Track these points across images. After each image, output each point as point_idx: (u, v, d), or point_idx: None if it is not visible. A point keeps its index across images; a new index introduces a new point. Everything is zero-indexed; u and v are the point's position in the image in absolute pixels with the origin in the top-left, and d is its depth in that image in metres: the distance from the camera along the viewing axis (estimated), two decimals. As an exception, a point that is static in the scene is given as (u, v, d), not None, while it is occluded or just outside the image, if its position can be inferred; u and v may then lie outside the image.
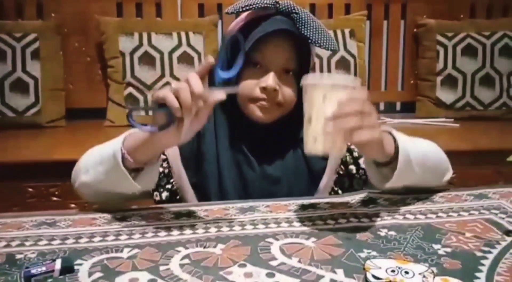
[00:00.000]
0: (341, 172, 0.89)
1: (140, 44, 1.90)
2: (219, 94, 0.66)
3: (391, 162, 0.73)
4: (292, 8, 0.81)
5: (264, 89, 0.81)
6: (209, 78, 0.68)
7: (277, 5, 0.82)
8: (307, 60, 0.84)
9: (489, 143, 1.68)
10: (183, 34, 1.93)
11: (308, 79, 0.67)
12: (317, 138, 0.65)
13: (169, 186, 0.87)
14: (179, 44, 1.92)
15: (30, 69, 1.86)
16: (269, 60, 0.82)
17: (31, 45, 1.86)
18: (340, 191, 0.89)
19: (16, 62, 1.84)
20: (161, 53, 1.90)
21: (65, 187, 1.51)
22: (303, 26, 0.80)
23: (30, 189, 1.52)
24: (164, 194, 0.87)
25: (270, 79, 0.80)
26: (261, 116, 0.83)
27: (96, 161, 0.76)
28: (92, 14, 1.96)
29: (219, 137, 0.86)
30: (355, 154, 0.88)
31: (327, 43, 0.80)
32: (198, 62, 1.93)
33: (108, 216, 0.76)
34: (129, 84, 1.90)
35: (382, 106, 2.31)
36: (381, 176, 0.75)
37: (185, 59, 1.91)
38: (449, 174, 0.86)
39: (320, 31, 0.80)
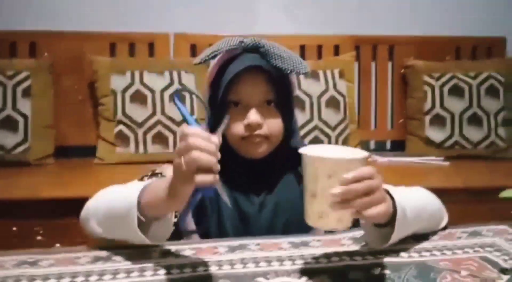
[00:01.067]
0: None
1: (132, 82, 1.91)
2: (215, 138, 0.62)
3: (389, 222, 0.70)
4: (258, 43, 0.84)
5: (249, 126, 0.82)
6: None
7: (243, 44, 0.84)
8: (286, 89, 0.86)
9: (480, 181, 1.68)
10: (175, 73, 1.96)
11: (311, 151, 0.62)
12: (322, 214, 0.61)
13: (174, 220, 0.85)
14: (171, 82, 1.94)
15: (21, 107, 1.85)
16: (247, 97, 0.83)
17: (22, 83, 1.86)
18: None
19: (6, 100, 1.83)
20: (152, 91, 1.91)
21: (49, 226, 1.47)
22: (271, 58, 0.82)
23: (14, 228, 1.47)
24: None
25: (252, 115, 0.82)
26: (253, 153, 0.84)
27: (108, 214, 0.73)
28: (85, 54, 1.98)
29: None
30: None
31: (298, 68, 0.82)
32: (190, 101, 1.94)
33: (92, 254, 0.73)
34: (119, 122, 1.90)
35: (372, 145, 2.33)
36: (379, 234, 0.72)
37: (177, 97, 1.93)
38: (444, 221, 0.85)
39: (288, 59, 0.83)
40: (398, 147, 2.24)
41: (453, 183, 1.67)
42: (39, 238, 1.46)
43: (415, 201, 0.76)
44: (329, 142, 1.99)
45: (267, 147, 0.84)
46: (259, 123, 0.82)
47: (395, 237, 0.70)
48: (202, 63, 0.85)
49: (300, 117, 1.96)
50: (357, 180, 0.59)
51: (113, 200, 0.73)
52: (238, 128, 0.83)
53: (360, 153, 0.63)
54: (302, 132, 1.96)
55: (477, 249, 0.75)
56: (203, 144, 0.59)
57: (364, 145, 2.23)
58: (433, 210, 0.82)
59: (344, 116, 2.03)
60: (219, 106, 0.85)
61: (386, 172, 1.87)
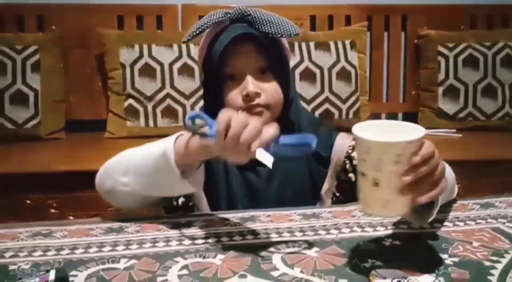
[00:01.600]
0: (342, 178, 0.88)
1: (141, 55, 1.90)
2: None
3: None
4: (244, 11, 0.82)
5: (247, 97, 0.81)
6: None
7: (229, 15, 0.83)
8: (279, 54, 0.85)
9: (493, 153, 1.66)
10: (183, 46, 1.93)
11: (366, 133, 0.55)
12: (387, 203, 0.56)
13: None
14: (180, 55, 1.92)
15: (30, 81, 1.85)
16: (241, 68, 0.82)
17: (31, 57, 1.86)
18: (341, 197, 0.87)
19: (16, 75, 1.84)
20: (161, 64, 1.90)
21: (63, 199, 1.49)
22: (259, 24, 0.81)
23: (28, 201, 1.50)
24: (180, 200, 0.86)
25: (249, 85, 0.81)
26: None
27: (140, 162, 0.74)
28: (93, 27, 1.96)
29: None
30: (355, 162, 0.87)
31: (287, 31, 0.81)
32: (199, 74, 1.92)
33: (105, 226, 0.74)
34: (129, 95, 1.90)
35: (383, 118, 2.30)
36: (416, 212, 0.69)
37: (186, 70, 1.91)
38: (455, 193, 0.84)
39: (277, 23, 0.81)
40: (410, 119, 2.21)
41: (466, 155, 1.65)
42: (52, 211, 1.49)
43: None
44: (340, 115, 1.97)
45: (268, 116, 0.83)
46: (257, 92, 0.81)
47: (434, 212, 0.64)
48: (190, 40, 0.84)
49: (311, 89, 1.93)
50: (423, 162, 0.55)
51: (144, 151, 0.74)
52: (237, 100, 0.82)
53: (419, 130, 0.57)
54: (312, 105, 1.94)
55: (489, 220, 0.75)
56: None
57: (376, 117, 2.21)
58: (452, 181, 0.80)
59: (355, 88, 2.00)
60: (215, 82, 0.83)
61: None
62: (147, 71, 1.89)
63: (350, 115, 1.98)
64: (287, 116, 0.87)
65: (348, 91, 1.98)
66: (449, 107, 2.05)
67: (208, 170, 0.85)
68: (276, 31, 0.81)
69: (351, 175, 0.87)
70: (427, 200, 0.57)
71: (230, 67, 0.83)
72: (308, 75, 1.93)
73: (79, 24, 1.98)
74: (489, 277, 0.57)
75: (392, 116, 2.30)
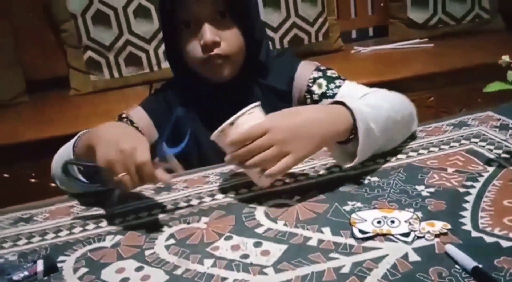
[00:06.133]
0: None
1: (90, 2, 1.75)
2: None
3: (352, 138, 0.66)
4: None
5: (205, 46, 0.76)
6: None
7: None
8: None
9: (464, 61, 1.65)
10: (135, -15, 1.79)
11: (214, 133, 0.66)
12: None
13: None
14: (133, -4, 1.79)
15: (-22, 46, 1.72)
16: (197, 13, 0.75)
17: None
18: None
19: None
20: (114, 9, 1.77)
21: (39, 167, 1.46)
22: None
23: (6, 175, 1.47)
24: None
25: (206, 34, 0.75)
26: (217, 76, 0.80)
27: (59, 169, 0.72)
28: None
29: (189, 108, 0.83)
30: (315, 97, 0.85)
31: None
32: (156, 14, 1.81)
33: (85, 201, 0.73)
34: (87, 47, 1.79)
35: (354, 35, 2.24)
36: (345, 153, 0.68)
37: (142, 12, 1.78)
38: (415, 124, 0.79)
39: None
40: (381, 32, 2.16)
41: (438, 66, 1.64)
42: (32, 180, 1.47)
43: (379, 109, 0.69)
44: (309, 39, 1.91)
45: (230, 67, 0.79)
46: (216, 41, 0.75)
47: (362, 152, 0.65)
48: None
49: (276, 16, 1.85)
50: (246, 142, 0.61)
51: (61, 156, 0.76)
52: (196, 50, 0.77)
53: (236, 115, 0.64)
54: (279, 33, 1.87)
55: (463, 142, 0.76)
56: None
57: (346, 36, 2.15)
58: (401, 114, 0.73)
59: (322, 8, 1.92)
60: (170, 29, 0.78)
61: (370, 62, 1.85)
62: (101, 19, 1.76)
63: (320, 38, 1.92)
64: (256, 59, 0.82)
65: (315, 13, 1.90)
66: (418, 16, 1.99)
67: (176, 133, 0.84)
68: None
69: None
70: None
71: (184, 13, 0.76)
72: (271, 1, 1.83)
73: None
74: (464, 205, 0.59)
75: (362, 32, 2.24)
